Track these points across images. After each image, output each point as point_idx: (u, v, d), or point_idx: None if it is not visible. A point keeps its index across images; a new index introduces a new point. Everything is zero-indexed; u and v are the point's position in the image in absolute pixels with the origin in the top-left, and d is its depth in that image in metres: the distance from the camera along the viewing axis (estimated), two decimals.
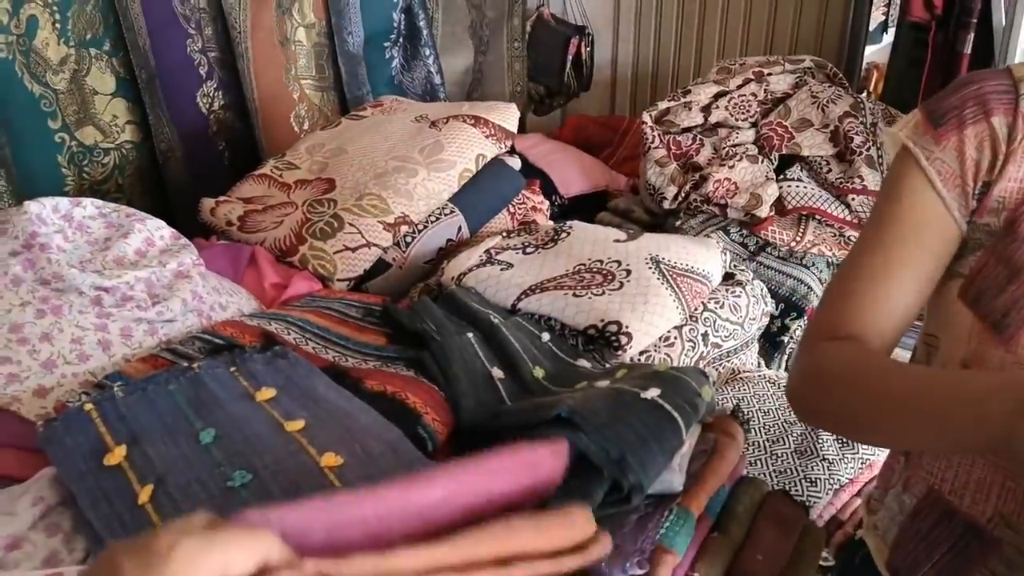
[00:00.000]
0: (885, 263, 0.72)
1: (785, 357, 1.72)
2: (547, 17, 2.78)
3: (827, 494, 1.07)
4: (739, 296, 1.43)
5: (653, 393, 0.88)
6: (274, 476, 0.74)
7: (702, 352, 1.31)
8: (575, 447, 0.81)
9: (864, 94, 2.26)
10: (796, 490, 1.07)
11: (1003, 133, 0.68)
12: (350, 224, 1.30)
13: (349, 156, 1.46)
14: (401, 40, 2.18)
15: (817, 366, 0.72)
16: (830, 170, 1.85)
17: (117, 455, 0.74)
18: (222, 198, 1.44)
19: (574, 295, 1.21)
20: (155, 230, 1.09)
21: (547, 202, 1.71)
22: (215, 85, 1.80)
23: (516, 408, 0.92)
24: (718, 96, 2.02)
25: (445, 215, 1.42)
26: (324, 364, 0.98)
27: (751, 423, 1.21)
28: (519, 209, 1.60)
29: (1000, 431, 0.51)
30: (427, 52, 2.18)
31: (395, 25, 2.14)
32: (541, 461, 0.62)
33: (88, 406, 0.78)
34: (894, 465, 0.82)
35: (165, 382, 0.83)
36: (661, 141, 2.02)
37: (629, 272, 1.29)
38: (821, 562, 0.97)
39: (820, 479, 1.08)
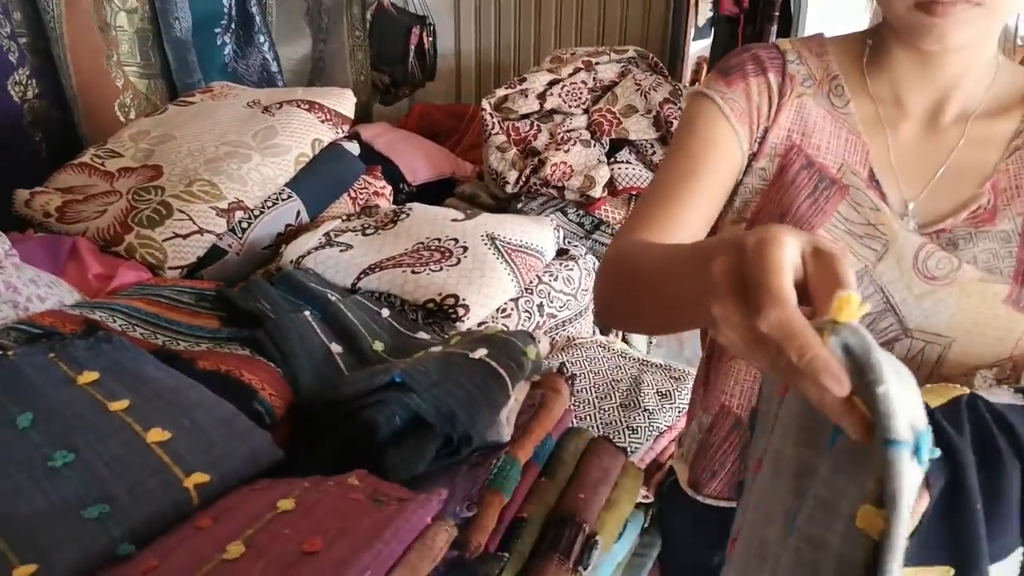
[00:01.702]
0: (677, 180, 0.80)
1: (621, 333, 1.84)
2: (387, 6, 2.79)
3: (647, 440, 1.17)
4: (572, 270, 1.52)
5: (481, 353, 0.94)
6: (97, 454, 0.74)
7: (538, 322, 1.39)
8: (409, 408, 0.86)
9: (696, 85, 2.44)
10: (619, 438, 1.16)
11: (776, 86, 0.80)
12: (179, 211, 1.27)
13: (177, 143, 1.42)
14: (233, 26, 2.12)
15: (601, 266, 0.78)
16: (655, 152, 1.99)
17: None
18: (37, 189, 1.37)
19: (412, 272, 1.25)
20: None
21: (389, 187, 1.73)
22: (27, 72, 1.69)
23: (353, 377, 0.94)
24: (552, 84, 2.12)
25: (282, 200, 1.42)
26: (153, 348, 0.96)
27: (582, 383, 1.30)
28: (361, 194, 1.62)
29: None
30: (262, 39, 2.14)
31: (226, 10, 2.09)
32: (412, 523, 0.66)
33: None
34: (696, 398, 0.93)
35: None
36: (501, 128, 2.09)
37: (466, 249, 1.34)
38: (641, 499, 1.07)
39: (641, 427, 1.18)
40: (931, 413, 0.49)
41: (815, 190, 0.79)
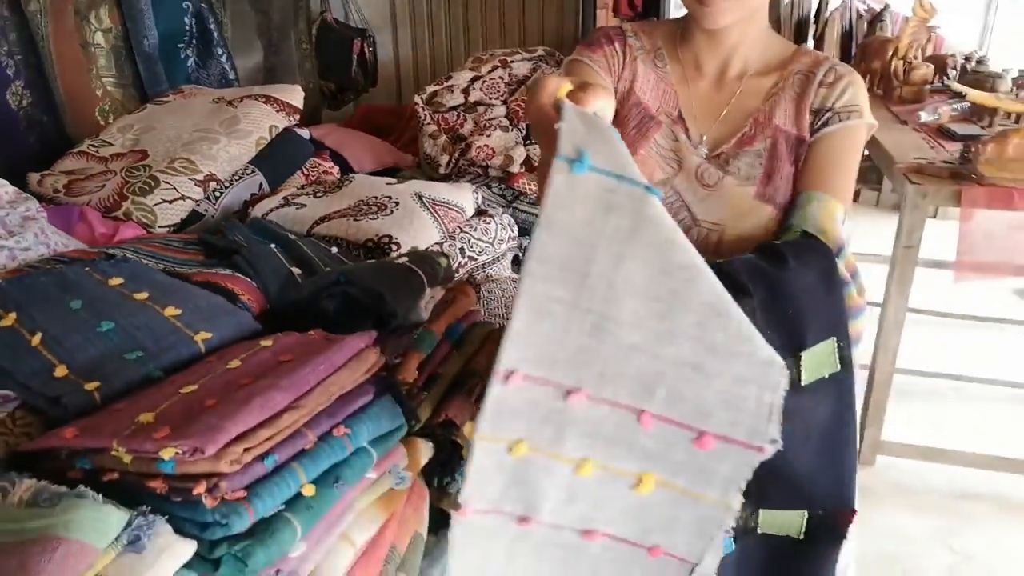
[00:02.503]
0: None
1: None
2: (331, 21, 3.13)
3: None
4: (489, 223, 1.87)
5: (404, 260, 1.28)
6: (130, 323, 1.06)
7: (460, 262, 1.73)
8: (350, 295, 1.20)
9: None
10: None
11: (620, 52, 1.15)
12: (165, 182, 1.59)
13: (158, 132, 1.74)
14: (194, 41, 2.44)
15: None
16: None
17: (10, 319, 1.02)
18: (46, 172, 1.68)
19: (355, 220, 1.59)
20: (0, 187, 1.34)
21: (337, 167, 2.06)
22: (22, 84, 1.99)
23: (309, 281, 1.28)
24: (474, 80, 2.48)
25: (247, 174, 1.75)
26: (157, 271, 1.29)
27: (495, 306, 1.64)
28: (312, 172, 1.95)
29: None
30: (220, 51, 2.46)
31: (187, 28, 2.41)
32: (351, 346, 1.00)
33: None
34: None
35: (36, 275, 1.11)
36: (432, 119, 2.44)
37: (398, 204, 1.69)
38: None
39: None
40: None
41: (640, 122, 1.14)
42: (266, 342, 1.04)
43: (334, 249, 1.50)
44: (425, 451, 1.13)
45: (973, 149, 1.94)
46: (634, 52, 1.15)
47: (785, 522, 0.98)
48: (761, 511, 0.97)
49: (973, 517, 2.09)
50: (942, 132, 2.35)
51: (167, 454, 0.78)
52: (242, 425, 0.80)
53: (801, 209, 1.04)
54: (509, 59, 2.51)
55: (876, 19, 3.62)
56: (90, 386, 0.96)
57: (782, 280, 0.91)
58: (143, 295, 1.12)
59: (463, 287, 1.41)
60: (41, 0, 2.00)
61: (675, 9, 2.83)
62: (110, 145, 1.74)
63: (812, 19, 3.75)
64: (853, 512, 0.98)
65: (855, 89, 1.08)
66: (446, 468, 1.18)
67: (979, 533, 2.04)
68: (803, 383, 0.91)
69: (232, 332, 1.11)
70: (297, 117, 1.89)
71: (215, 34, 2.46)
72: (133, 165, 1.63)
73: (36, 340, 1.00)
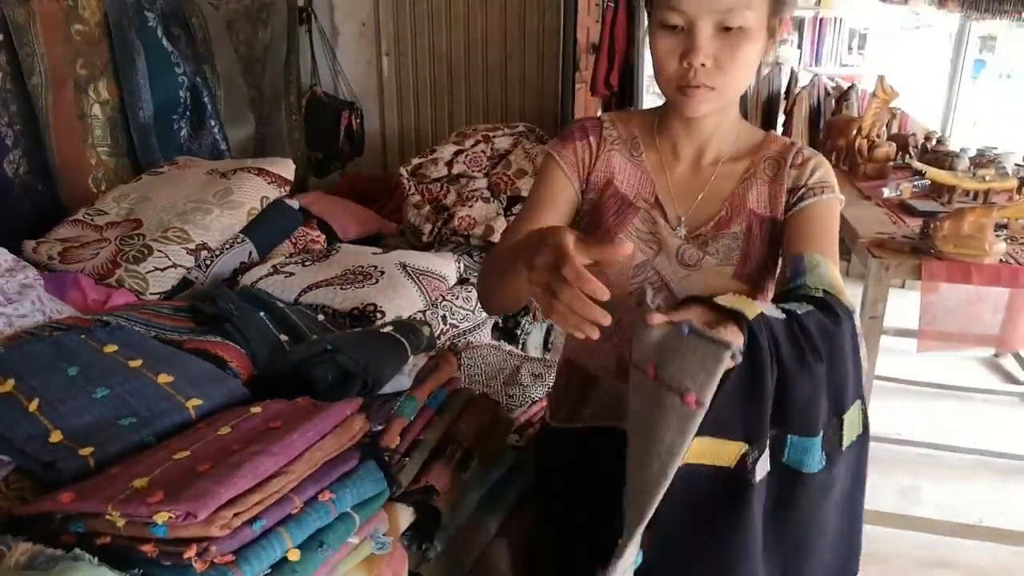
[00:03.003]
0: (529, 214, 1.20)
1: (520, 344, 2.25)
2: (320, 94, 3.25)
3: (522, 406, 1.57)
4: (471, 292, 1.94)
5: (388, 328, 1.34)
6: (124, 390, 1.10)
7: (442, 329, 1.79)
8: (337, 364, 1.25)
9: None
10: (499, 400, 1.55)
11: (595, 145, 1.21)
12: (158, 251, 1.65)
13: (152, 202, 1.81)
14: (188, 114, 2.53)
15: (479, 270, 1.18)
16: None
17: (8, 385, 1.06)
18: (41, 239, 1.73)
19: (341, 288, 1.65)
20: None
21: (324, 235, 2.13)
22: (19, 153, 2.05)
23: (296, 349, 1.33)
24: (457, 153, 2.58)
25: (238, 243, 1.81)
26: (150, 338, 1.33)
27: (475, 371, 1.69)
28: (300, 240, 2.02)
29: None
30: (212, 123, 2.55)
31: (182, 100, 2.50)
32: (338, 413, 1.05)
33: None
34: (561, 359, 1.31)
35: (34, 342, 1.15)
36: (416, 189, 2.53)
37: (383, 272, 1.75)
38: (513, 442, 1.46)
39: (516, 395, 1.58)
40: (751, 325, 0.78)
41: (619, 210, 1.20)
42: (256, 408, 1.08)
43: (320, 317, 1.56)
44: (405, 516, 1.17)
45: (932, 225, 2.04)
46: (609, 144, 1.22)
47: None
48: None
49: None
50: (904, 208, 2.46)
51: (161, 518, 0.82)
52: (234, 490, 0.85)
53: (813, 271, 1.03)
54: (491, 134, 2.62)
55: (843, 97, 3.80)
56: (85, 451, 0.99)
57: (838, 341, 0.90)
58: (137, 362, 1.16)
59: (445, 355, 1.46)
60: (42, 74, 2.08)
61: (647, 89, 2.99)
62: (105, 214, 1.80)
63: (783, 95, 3.92)
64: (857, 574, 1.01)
65: (824, 169, 1.16)
66: (425, 533, 1.21)
67: None
68: (843, 447, 0.92)
69: (222, 398, 1.15)
70: (288, 188, 1.97)
71: (209, 107, 2.55)
72: (127, 234, 1.69)
73: (33, 406, 1.04)
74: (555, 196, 1.21)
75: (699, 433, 0.80)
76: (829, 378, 0.89)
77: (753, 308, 0.83)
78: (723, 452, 0.84)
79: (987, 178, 2.51)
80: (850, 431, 0.93)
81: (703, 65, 1.04)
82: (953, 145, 2.93)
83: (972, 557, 2.21)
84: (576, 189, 1.21)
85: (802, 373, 0.85)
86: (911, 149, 3.05)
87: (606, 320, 0.76)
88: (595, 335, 0.77)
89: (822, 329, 0.89)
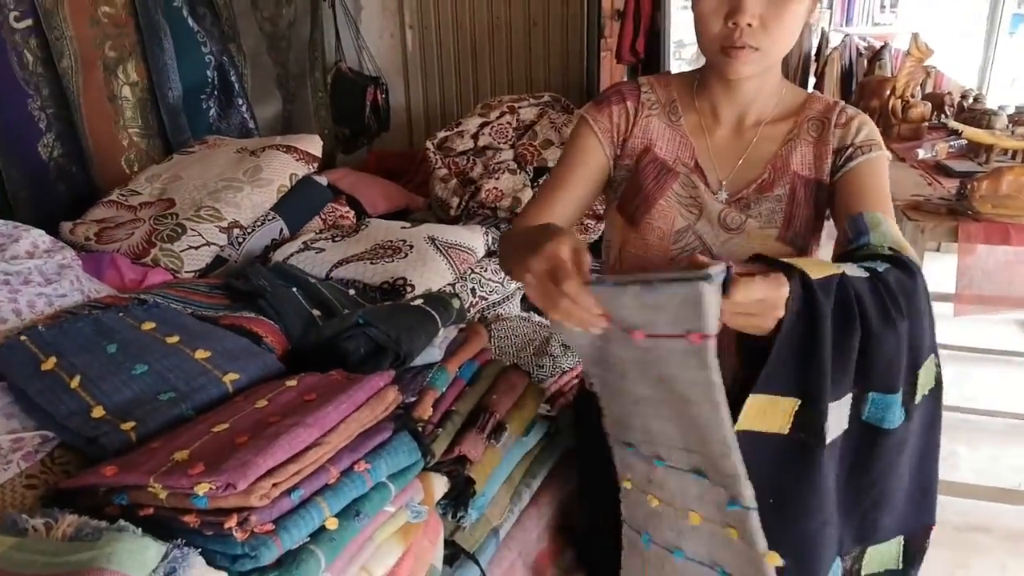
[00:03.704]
0: (559, 180, 1.19)
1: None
2: (345, 70, 3.25)
3: (552, 376, 1.57)
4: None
5: (419, 302, 1.35)
6: (163, 366, 1.12)
7: (471, 302, 1.80)
8: (369, 337, 1.26)
9: None
10: (530, 371, 1.56)
11: (633, 110, 1.19)
12: (191, 229, 1.67)
13: (184, 181, 1.83)
14: (216, 93, 2.55)
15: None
16: None
17: (50, 363, 1.09)
18: (78, 220, 1.76)
19: (371, 263, 1.66)
20: (38, 236, 1.42)
21: (353, 211, 2.15)
22: (53, 136, 2.09)
23: (328, 324, 1.34)
24: (483, 125, 2.57)
25: (269, 220, 1.83)
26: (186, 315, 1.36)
27: (504, 343, 1.70)
28: (329, 217, 2.03)
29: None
30: (240, 102, 2.57)
31: (210, 80, 2.52)
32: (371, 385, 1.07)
33: (23, 337, 1.12)
34: None
35: (74, 321, 1.18)
36: (443, 163, 2.53)
37: (412, 247, 1.76)
38: (544, 411, 1.46)
39: (547, 365, 1.58)
40: (810, 282, 0.78)
41: (658, 175, 1.17)
42: (291, 382, 1.10)
43: (352, 291, 1.57)
44: (439, 486, 1.18)
45: (969, 186, 1.99)
46: (648, 108, 1.20)
47: (886, 555, 1.00)
48: (867, 551, 0.99)
49: (982, 550, 2.10)
50: (939, 168, 2.41)
51: (202, 489, 0.84)
52: (272, 461, 0.86)
53: (876, 229, 1.01)
54: (516, 105, 2.60)
55: (876, 57, 3.71)
56: (126, 426, 1.02)
57: (915, 296, 0.90)
58: (175, 338, 1.19)
59: (475, 327, 1.47)
60: (72, 56, 2.10)
61: (674, 55, 2.93)
62: (139, 194, 1.83)
63: (813, 57, 3.83)
64: (933, 524, 1.01)
65: (869, 126, 1.14)
66: (459, 502, 1.23)
67: (987, 565, 2.05)
68: (916, 402, 0.93)
69: (258, 373, 1.17)
70: (316, 165, 1.98)
71: (236, 86, 2.57)
72: (161, 213, 1.72)
73: (75, 383, 1.07)
74: (586, 162, 1.20)
75: (753, 391, 0.82)
76: (909, 334, 0.89)
77: (831, 268, 0.83)
78: (775, 413, 0.85)
79: None
80: (924, 385, 0.93)
81: (749, 25, 1.02)
82: (990, 103, 2.85)
83: (1010, 522, 2.19)
84: (608, 155, 1.20)
85: (887, 330, 0.85)
86: (947, 108, 2.97)
87: (604, 323, 0.79)
88: (596, 331, 0.81)
89: (901, 286, 0.88)
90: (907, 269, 0.91)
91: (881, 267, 0.89)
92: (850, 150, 1.11)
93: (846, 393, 0.88)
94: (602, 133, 1.20)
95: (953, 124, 2.60)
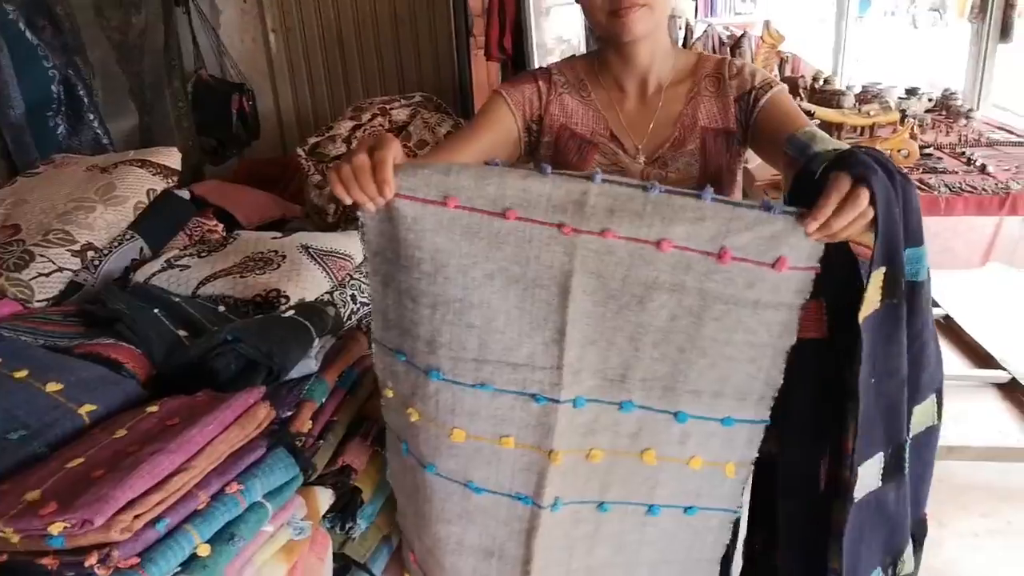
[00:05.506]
0: (462, 133, 1.25)
1: None
2: (206, 78, 3.12)
3: None
4: None
5: (290, 313, 1.31)
6: (12, 404, 1.04)
7: (352, 308, 1.76)
8: (239, 353, 1.21)
9: None
10: None
11: (544, 89, 1.26)
12: (40, 255, 1.56)
13: (30, 205, 1.70)
14: (63, 109, 2.40)
15: None
16: None
17: None
18: None
19: (241, 277, 1.60)
20: None
21: (221, 225, 2.06)
22: None
23: (196, 343, 1.29)
24: (355, 128, 2.53)
25: (127, 240, 1.73)
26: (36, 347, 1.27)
27: None
28: (196, 232, 1.94)
29: None
30: (91, 117, 2.42)
31: (55, 96, 2.36)
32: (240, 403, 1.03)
33: None
34: None
35: None
36: (316, 168, 2.47)
37: (285, 257, 1.71)
38: None
39: None
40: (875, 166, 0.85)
41: (579, 149, 1.25)
42: (152, 408, 1.05)
43: (221, 308, 1.51)
44: (324, 499, 1.16)
45: None
46: (559, 87, 1.27)
47: (926, 412, 1.06)
48: (914, 411, 1.04)
49: None
50: None
51: (56, 529, 0.79)
52: (130, 492, 0.82)
53: (815, 139, 1.06)
54: (388, 107, 2.57)
55: (736, 45, 3.89)
56: None
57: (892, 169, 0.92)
58: (23, 373, 1.11)
59: (354, 334, 1.45)
60: None
61: (538, 52, 2.98)
62: None
63: (680, 45, 3.99)
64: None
65: (760, 71, 1.25)
66: (346, 513, 1.21)
67: None
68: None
69: (118, 401, 1.11)
70: (175, 179, 1.89)
71: (85, 100, 2.42)
72: (6, 241, 1.59)
73: None
74: (493, 125, 1.25)
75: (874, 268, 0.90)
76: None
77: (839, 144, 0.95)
78: (876, 288, 0.92)
79: (871, 113, 2.61)
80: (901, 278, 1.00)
81: None
82: (841, 84, 3.04)
83: None
84: (519, 125, 1.26)
85: (908, 184, 0.91)
86: (801, 91, 3.14)
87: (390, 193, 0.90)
88: (371, 208, 0.92)
89: (881, 159, 0.93)
90: (870, 154, 0.95)
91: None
92: (754, 92, 1.22)
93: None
94: (514, 104, 1.25)
95: (806, 106, 2.75)
